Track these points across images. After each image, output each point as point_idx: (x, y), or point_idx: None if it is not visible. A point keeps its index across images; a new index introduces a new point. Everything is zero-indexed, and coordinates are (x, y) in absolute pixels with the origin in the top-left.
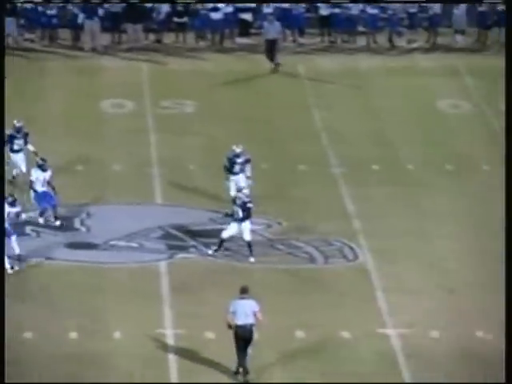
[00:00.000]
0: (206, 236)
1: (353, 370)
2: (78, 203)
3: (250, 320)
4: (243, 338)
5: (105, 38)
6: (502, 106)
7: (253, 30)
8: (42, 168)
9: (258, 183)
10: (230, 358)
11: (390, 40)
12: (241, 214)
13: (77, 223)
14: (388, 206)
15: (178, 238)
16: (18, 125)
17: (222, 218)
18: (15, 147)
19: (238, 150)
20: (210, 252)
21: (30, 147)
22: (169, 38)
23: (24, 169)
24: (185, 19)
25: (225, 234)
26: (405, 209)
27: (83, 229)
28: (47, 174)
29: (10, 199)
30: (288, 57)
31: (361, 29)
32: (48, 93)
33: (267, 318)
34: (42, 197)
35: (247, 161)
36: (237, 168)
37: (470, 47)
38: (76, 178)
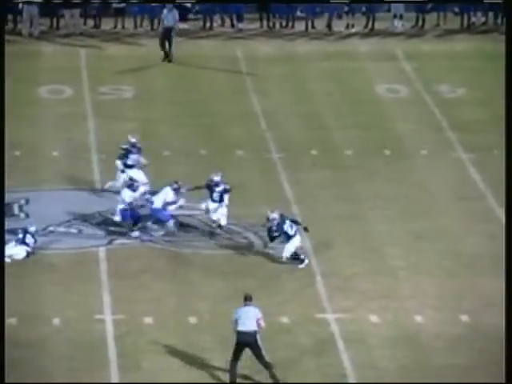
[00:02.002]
0: (146, 221)
1: (291, 355)
2: (17, 189)
3: (253, 327)
4: (245, 343)
5: (42, 23)
6: (439, 90)
7: (191, 16)
8: (132, 188)
9: (196, 169)
10: (169, 343)
11: (329, 25)
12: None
13: (15, 209)
14: (326, 190)
15: (117, 223)
16: (132, 140)
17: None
18: (129, 162)
19: (216, 178)
20: None
21: (142, 160)
22: (107, 24)
23: (145, 180)
24: (123, 5)
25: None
26: (343, 193)
27: (22, 215)
28: (137, 194)
29: (129, 183)
30: (226, 42)
31: (299, 14)
32: None
33: (209, 305)
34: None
35: (226, 190)
36: (215, 196)
37: (408, 32)
38: (14, 163)
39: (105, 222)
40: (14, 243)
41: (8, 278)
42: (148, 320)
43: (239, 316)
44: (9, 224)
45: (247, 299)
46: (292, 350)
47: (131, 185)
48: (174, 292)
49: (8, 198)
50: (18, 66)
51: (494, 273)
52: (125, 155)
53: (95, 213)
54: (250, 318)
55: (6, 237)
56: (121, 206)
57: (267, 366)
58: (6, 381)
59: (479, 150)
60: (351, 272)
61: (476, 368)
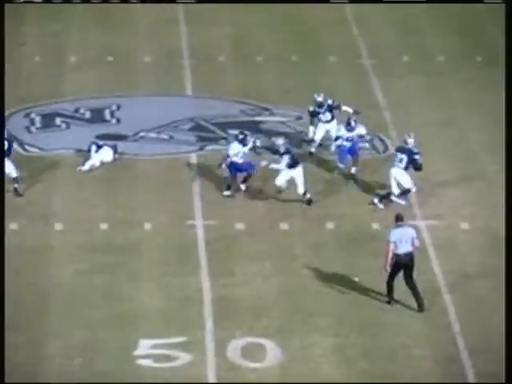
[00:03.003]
0: (237, 128)
1: (380, 261)
2: (108, 95)
3: (410, 248)
4: (406, 265)
5: None
6: None
7: None
8: (243, 142)
9: (288, 75)
10: (260, 249)
11: None
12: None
13: (107, 115)
14: (418, 97)
15: (209, 129)
16: (318, 99)
17: (253, 110)
18: (323, 119)
19: (319, 99)
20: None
21: (345, 108)
22: None
23: (318, 135)
24: None
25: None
26: (435, 100)
27: (113, 120)
28: (246, 148)
29: (240, 137)
30: None
31: None
32: None
33: (302, 211)
34: (241, 167)
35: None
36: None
37: None
38: (106, 69)
39: (196, 128)
40: (95, 148)
41: (99, 183)
42: (239, 226)
43: (396, 239)
44: (101, 130)
45: (399, 219)
46: (383, 257)
47: (242, 139)
48: (266, 198)
49: (100, 103)
50: None
51: None
52: (314, 115)
53: (186, 119)
54: (406, 240)
55: (98, 142)
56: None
57: (414, 288)
58: (6, 381)
59: None
60: (443, 178)
61: None
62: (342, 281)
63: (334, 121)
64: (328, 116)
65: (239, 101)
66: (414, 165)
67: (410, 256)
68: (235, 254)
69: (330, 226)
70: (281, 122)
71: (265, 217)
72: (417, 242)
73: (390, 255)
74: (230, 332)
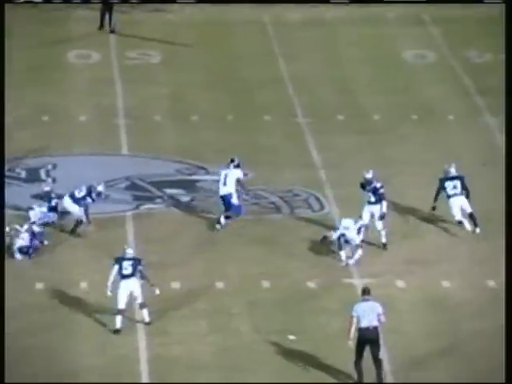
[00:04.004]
0: (172, 187)
1: (319, 320)
2: (44, 154)
3: (374, 322)
4: (368, 340)
5: None
6: (467, 55)
7: None
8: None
9: (224, 134)
10: (196, 307)
11: None
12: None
13: (42, 174)
14: (354, 155)
15: (145, 188)
16: (367, 176)
17: (189, 169)
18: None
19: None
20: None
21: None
22: None
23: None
24: None
25: None
26: (371, 158)
27: (49, 180)
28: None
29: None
30: (253, 7)
31: None
32: (14, 43)
33: (237, 270)
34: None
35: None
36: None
37: None
38: (42, 128)
39: (132, 187)
40: (46, 209)
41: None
42: (175, 285)
43: (359, 313)
44: (36, 189)
45: (366, 293)
46: (319, 315)
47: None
48: (201, 257)
49: (35, 162)
50: (46, 31)
51: None
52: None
53: (122, 178)
54: (370, 314)
55: (34, 201)
56: None
57: (378, 364)
58: (6, 381)
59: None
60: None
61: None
62: (278, 339)
63: (383, 202)
64: (372, 198)
65: (175, 160)
66: (465, 189)
67: (373, 331)
68: (171, 313)
69: (265, 284)
70: (217, 181)
71: (200, 276)
72: (382, 318)
73: (352, 329)
74: None
